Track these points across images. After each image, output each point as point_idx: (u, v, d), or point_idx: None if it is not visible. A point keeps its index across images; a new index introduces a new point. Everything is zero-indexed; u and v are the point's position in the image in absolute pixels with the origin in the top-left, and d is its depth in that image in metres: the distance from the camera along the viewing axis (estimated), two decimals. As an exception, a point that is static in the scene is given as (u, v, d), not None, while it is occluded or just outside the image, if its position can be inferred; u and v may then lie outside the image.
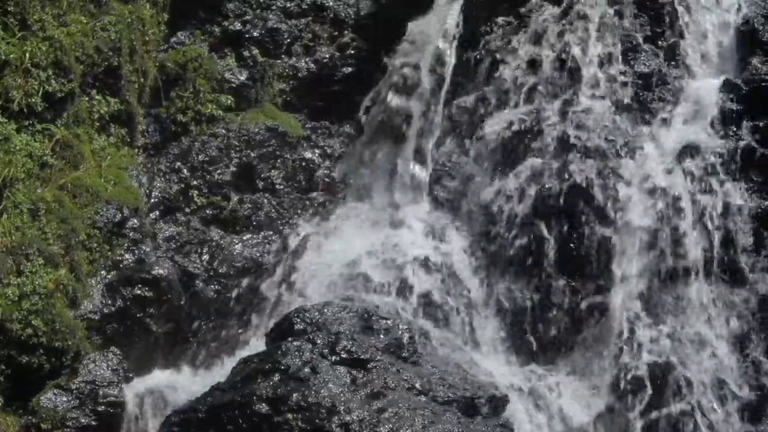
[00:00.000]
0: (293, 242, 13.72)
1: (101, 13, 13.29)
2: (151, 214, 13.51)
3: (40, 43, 12.52)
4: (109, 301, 12.58)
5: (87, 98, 13.16)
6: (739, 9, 13.68)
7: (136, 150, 13.74)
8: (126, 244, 12.84)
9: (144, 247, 12.93)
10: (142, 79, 13.78)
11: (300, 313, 11.67)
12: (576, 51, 13.51)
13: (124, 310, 12.60)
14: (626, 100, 13.29)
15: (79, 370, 11.78)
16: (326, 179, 14.33)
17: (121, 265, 12.77)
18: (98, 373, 11.84)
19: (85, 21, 13.05)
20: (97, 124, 13.28)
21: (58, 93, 12.66)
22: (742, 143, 12.80)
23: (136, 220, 12.97)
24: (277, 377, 10.76)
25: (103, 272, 12.68)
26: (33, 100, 12.43)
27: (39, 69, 12.49)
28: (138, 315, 12.66)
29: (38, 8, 12.63)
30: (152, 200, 13.60)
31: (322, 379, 10.71)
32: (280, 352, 10.97)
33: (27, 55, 12.39)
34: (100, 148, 13.22)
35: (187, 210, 13.70)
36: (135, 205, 13.05)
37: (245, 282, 13.48)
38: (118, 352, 12.06)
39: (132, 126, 13.69)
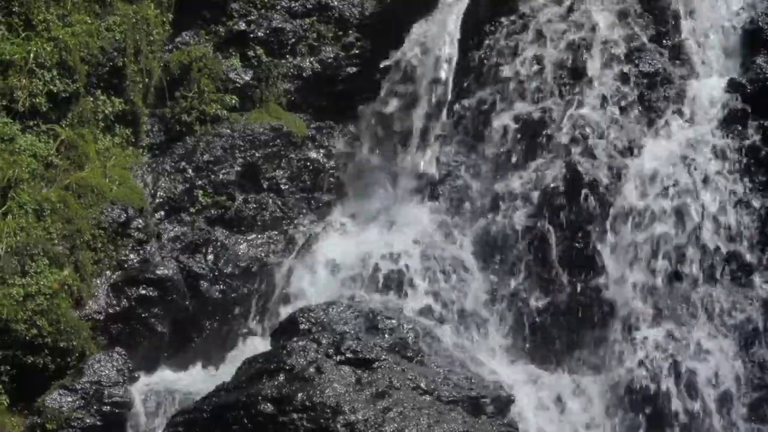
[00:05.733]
0: (298, 242, 13.72)
1: (106, 13, 13.30)
2: (156, 214, 13.51)
3: (44, 43, 12.52)
4: (114, 302, 12.58)
5: (92, 98, 13.16)
6: (743, 8, 13.66)
7: (141, 150, 13.75)
8: (131, 245, 12.85)
9: (149, 248, 12.94)
10: (146, 79, 13.79)
11: (305, 312, 11.67)
12: (580, 50, 13.50)
13: (129, 310, 12.61)
14: (631, 100, 13.27)
15: (85, 371, 11.77)
16: (331, 179, 14.33)
17: (126, 266, 12.77)
18: (103, 373, 11.82)
19: (90, 21, 13.05)
20: (102, 124, 13.28)
21: (63, 93, 12.67)
22: (747, 142, 12.79)
23: (140, 221, 12.97)
24: (282, 377, 10.76)
25: (108, 272, 12.69)
26: (37, 100, 12.44)
27: (43, 69, 12.50)
28: (143, 315, 12.67)
29: (43, 8, 12.63)
30: (157, 200, 13.60)
31: (327, 379, 10.70)
32: (285, 351, 10.96)
33: (31, 55, 12.39)
34: (105, 149, 13.22)
35: (192, 210, 13.70)
36: (140, 205, 13.05)
37: (250, 282, 13.49)
38: (123, 352, 12.05)
39: (137, 126, 13.70)
